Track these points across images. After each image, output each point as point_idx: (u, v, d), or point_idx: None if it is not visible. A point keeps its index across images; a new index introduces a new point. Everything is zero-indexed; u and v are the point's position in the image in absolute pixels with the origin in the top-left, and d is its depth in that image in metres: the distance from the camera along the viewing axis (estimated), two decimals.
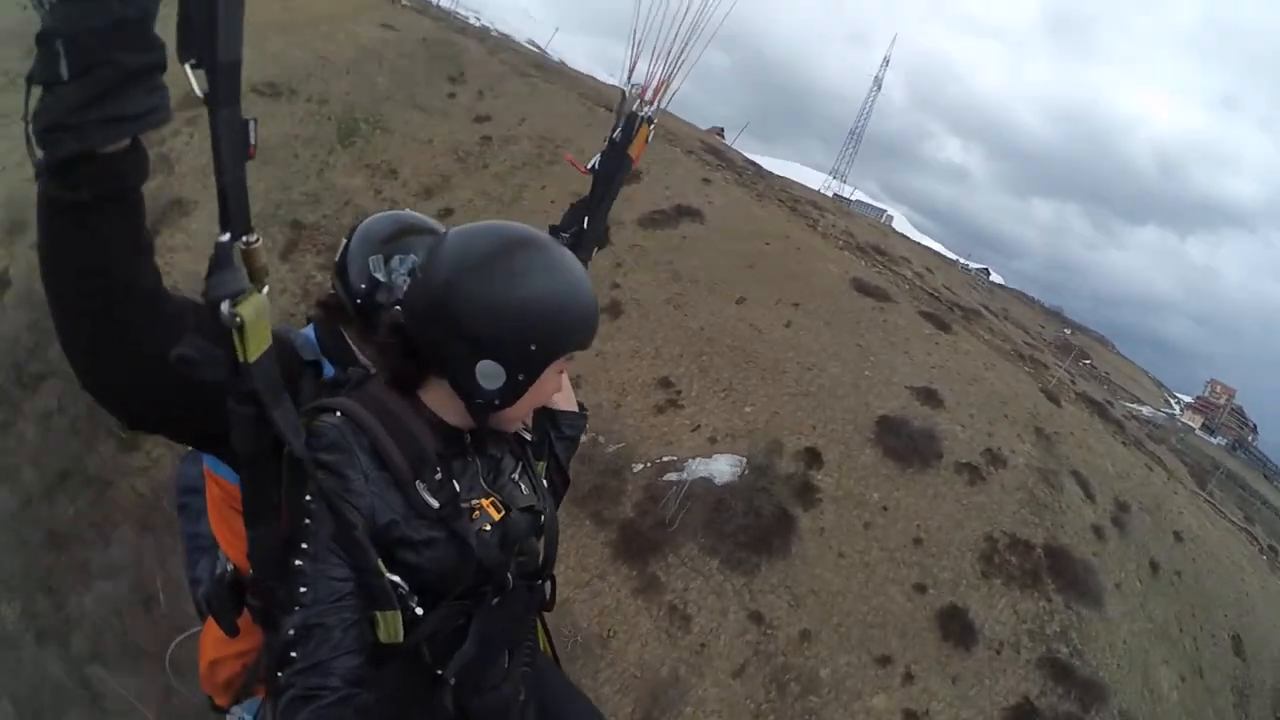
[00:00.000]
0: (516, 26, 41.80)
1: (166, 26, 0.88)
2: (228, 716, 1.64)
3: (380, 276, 1.59)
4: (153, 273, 1.09)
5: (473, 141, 14.12)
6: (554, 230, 1.99)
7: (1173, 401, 34.31)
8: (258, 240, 1.06)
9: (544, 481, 1.58)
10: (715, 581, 6.50)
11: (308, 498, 1.17)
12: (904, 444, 7.88)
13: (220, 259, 1.02)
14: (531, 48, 31.71)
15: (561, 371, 1.38)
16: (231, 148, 0.97)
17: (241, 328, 1.01)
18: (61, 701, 6.70)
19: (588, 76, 24.65)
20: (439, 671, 1.30)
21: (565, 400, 1.75)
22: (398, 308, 1.44)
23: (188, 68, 0.92)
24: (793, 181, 17.85)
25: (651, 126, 2.01)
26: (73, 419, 9.67)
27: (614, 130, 2.00)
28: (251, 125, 0.99)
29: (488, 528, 1.33)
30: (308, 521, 1.17)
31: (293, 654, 1.12)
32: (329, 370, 1.52)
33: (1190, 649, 10.38)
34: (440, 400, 1.32)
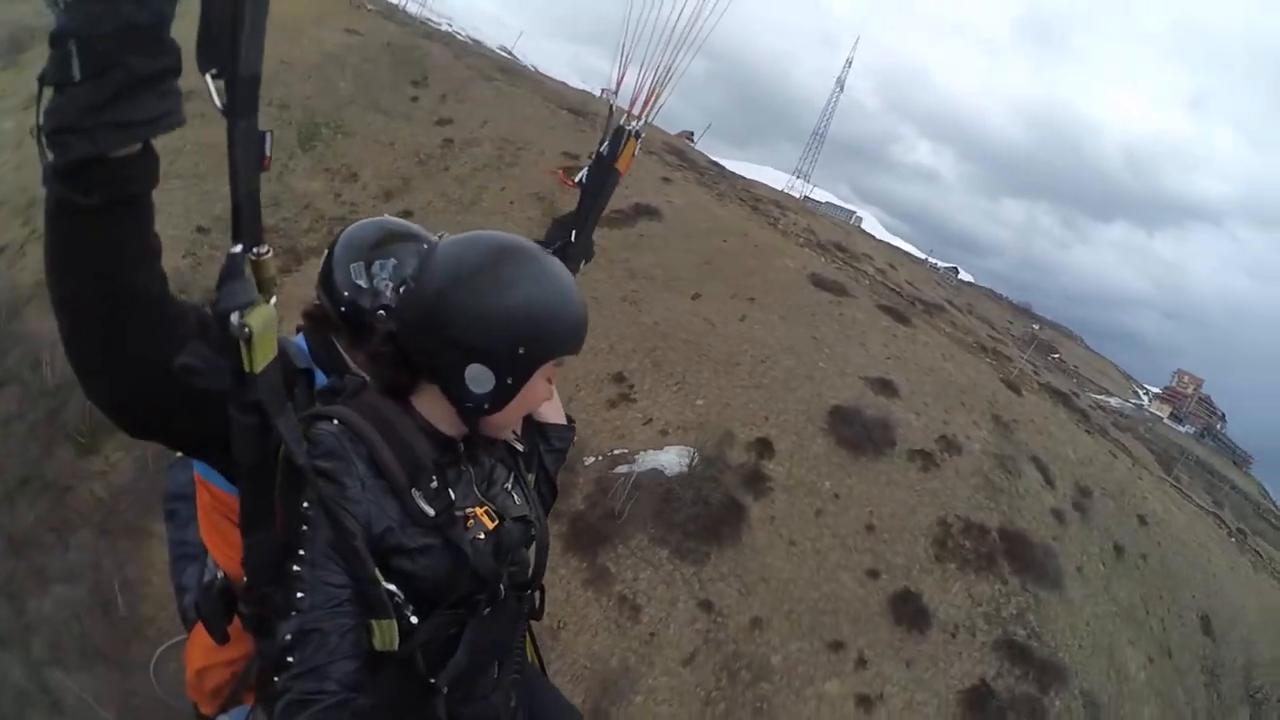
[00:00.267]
0: (489, 33, 41.86)
1: (184, 31, 0.87)
2: None
3: (362, 284, 1.60)
4: (160, 278, 1.08)
5: (434, 144, 14.11)
6: (540, 245, 2.03)
7: (1141, 392, 34.84)
8: (268, 252, 1.07)
9: (535, 492, 1.60)
10: (665, 571, 6.50)
11: (305, 504, 1.18)
12: (857, 433, 7.93)
13: (231, 269, 1.02)
14: (503, 53, 31.75)
15: (549, 378, 1.39)
16: (248, 159, 0.98)
17: (250, 339, 1.02)
18: (23, 706, 6.64)
19: (559, 82, 24.74)
20: (432, 680, 1.31)
21: (554, 413, 1.79)
22: (381, 313, 1.50)
23: (208, 78, 0.92)
24: (757, 182, 17.97)
25: (639, 140, 2.03)
26: (31, 424, 9.56)
27: (601, 144, 2.01)
28: (268, 137, 1.00)
29: (482, 536, 1.34)
30: (305, 528, 1.18)
31: (290, 659, 1.13)
32: (321, 379, 1.52)
33: (1158, 630, 10.50)
34: (433, 407, 1.33)
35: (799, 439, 7.70)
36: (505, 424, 1.39)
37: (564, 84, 24.43)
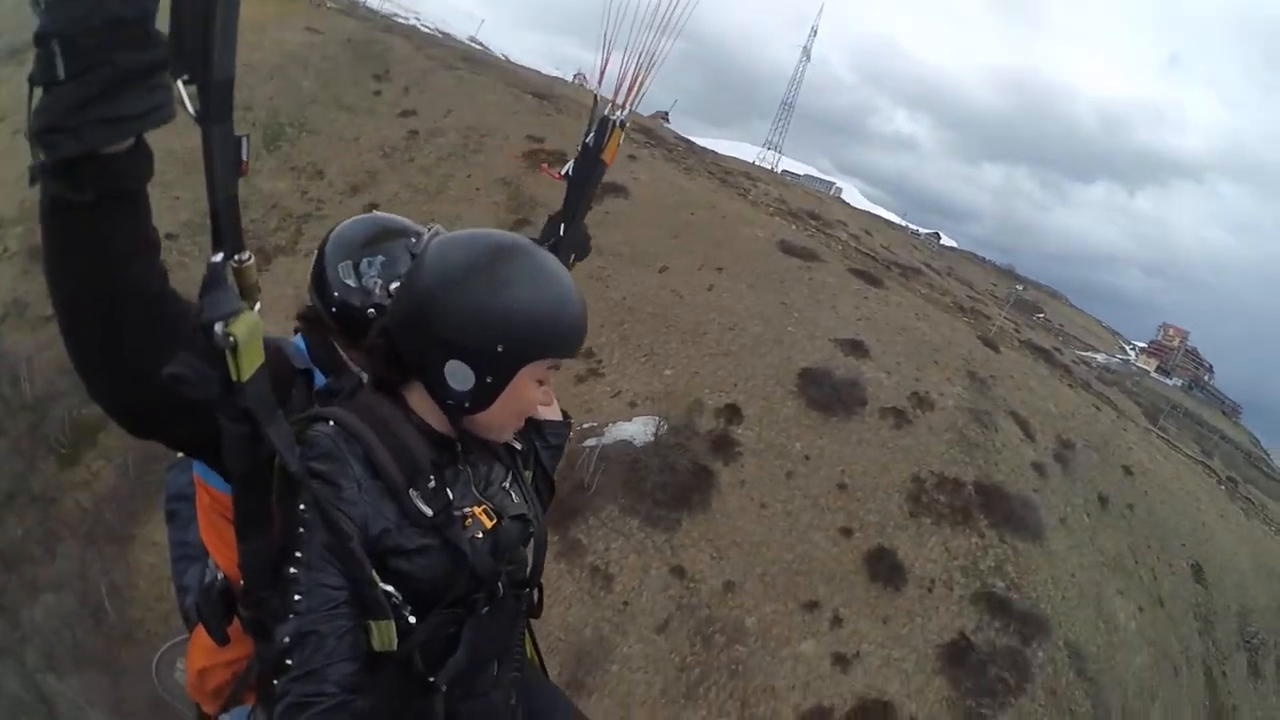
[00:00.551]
0: (458, 26, 41.59)
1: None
2: None
3: (351, 283, 1.59)
4: (159, 274, 1.06)
5: (399, 137, 14.03)
6: (535, 242, 2.01)
7: (1127, 347, 34.96)
8: (250, 258, 1.06)
9: (533, 490, 1.58)
10: (636, 540, 6.50)
11: (301, 507, 1.17)
12: (826, 394, 7.93)
13: (213, 279, 1.00)
14: (474, 45, 31.57)
15: (542, 381, 1.35)
16: (225, 164, 0.97)
17: (235, 348, 1.01)
18: (19, 714, 6.78)
19: (532, 70, 24.59)
20: (431, 679, 1.31)
21: (550, 410, 1.75)
22: (371, 312, 1.50)
23: (180, 84, 0.90)
24: (728, 156, 17.90)
25: (624, 130, 2.00)
26: (14, 439, 9.65)
27: (587, 135, 1.98)
28: (244, 141, 0.98)
29: (480, 535, 1.33)
30: (301, 530, 1.17)
31: (288, 661, 1.13)
32: (320, 379, 1.51)
33: (1148, 579, 10.55)
34: (423, 405, 1.32)
35: (768, 403, 7.70)
36: (492, 425, 1.36)
37: (536, 72, 24.29)
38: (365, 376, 1.38)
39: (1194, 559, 11.72)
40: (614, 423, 7.26)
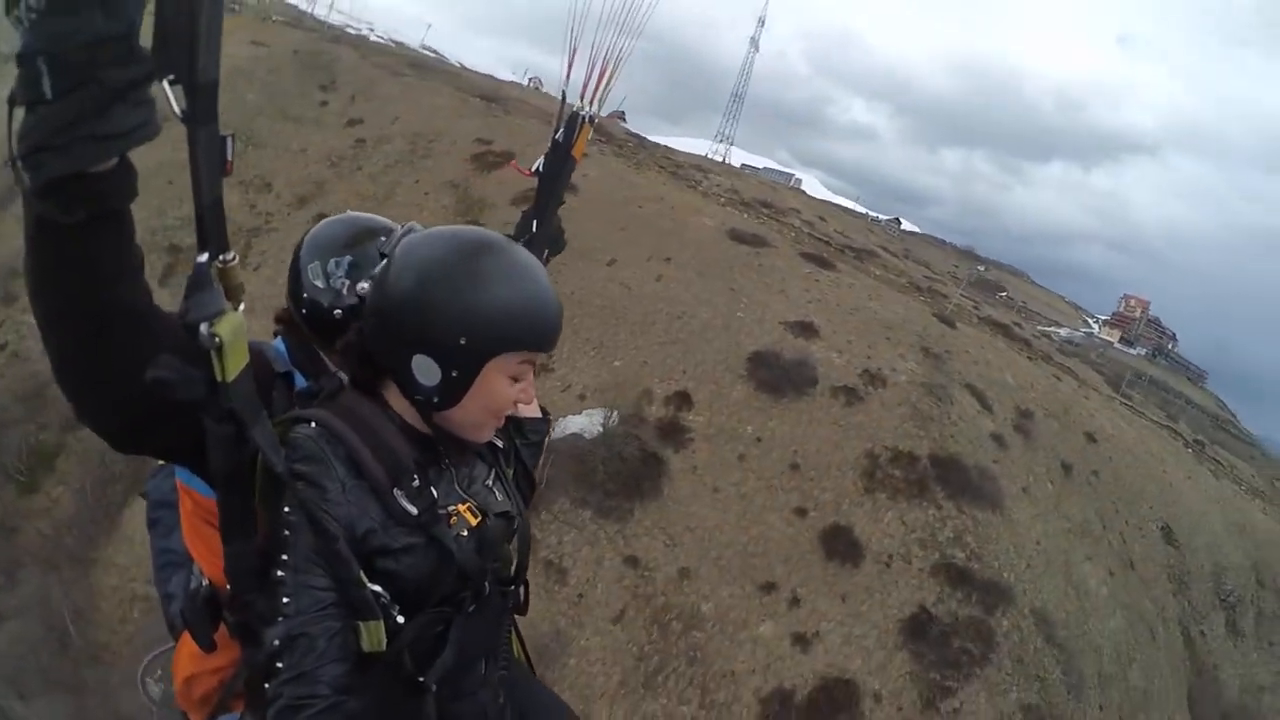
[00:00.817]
0: (411, 35, 41.42)
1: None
2: None
3: (320, 284, 1.59)
4: (144, 292, 1.05)
5: (346, 146, 13.91)
6: (510, 239, 1.99)
7: (1090, 320, 35.55)
8: (234, 258, 1.06)
9: (515, 487, 1.56)
10: (589, 532, 6.48)
11: (286, 509, 1.16)
12: (776, 376, 7.94)
13: (199, 279, 1.01)
14: (428, 53, 31.43)
15: (515, 378, 1.32)
16: (210, 166, 0.97)
17: (220, 348, 1.01)
18: None
19: (486, 75, 24.50)
20: (420, 679, 1.29)
21: (529, 408, 1.72)
22: (338, 313, 1.51)
23: (165, 85, 0.89)
24: (681, 151, 17.95)
25: (593, 125, 2.01)
26: None
27: (556, 131, 1.98)
28: (229, 142, 0.98)
29: (465, 533, 1.31)
30: (287, 533, 1.16)
31: (279, 664, 1.12)
32: (300, 381, 1.49)
33: (1117, 544, 10.67)
34: (400, 403, 1.31)
35: (717, 388, 7.70)
36: (464, 422, 1.33)
37: (491, 77, 24.20)
38: (346, 378, 1.37)
39: (1163, 521, 11.89)
40: (563, 416, 7.22)
